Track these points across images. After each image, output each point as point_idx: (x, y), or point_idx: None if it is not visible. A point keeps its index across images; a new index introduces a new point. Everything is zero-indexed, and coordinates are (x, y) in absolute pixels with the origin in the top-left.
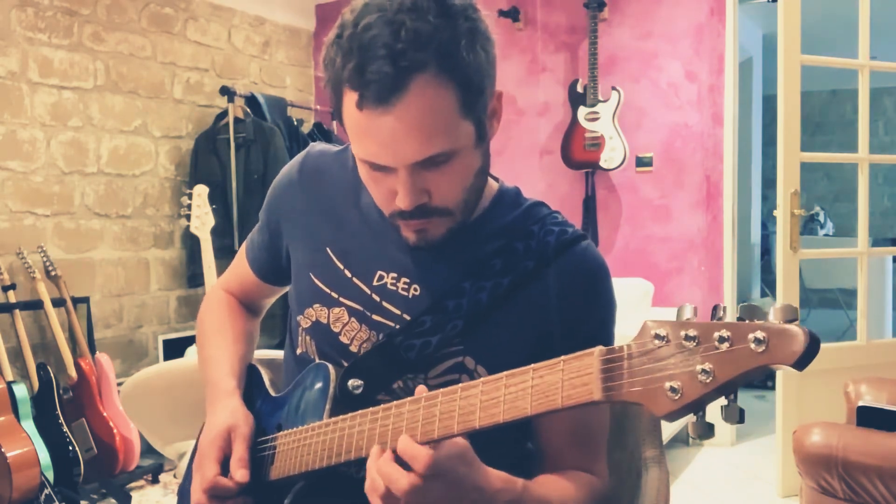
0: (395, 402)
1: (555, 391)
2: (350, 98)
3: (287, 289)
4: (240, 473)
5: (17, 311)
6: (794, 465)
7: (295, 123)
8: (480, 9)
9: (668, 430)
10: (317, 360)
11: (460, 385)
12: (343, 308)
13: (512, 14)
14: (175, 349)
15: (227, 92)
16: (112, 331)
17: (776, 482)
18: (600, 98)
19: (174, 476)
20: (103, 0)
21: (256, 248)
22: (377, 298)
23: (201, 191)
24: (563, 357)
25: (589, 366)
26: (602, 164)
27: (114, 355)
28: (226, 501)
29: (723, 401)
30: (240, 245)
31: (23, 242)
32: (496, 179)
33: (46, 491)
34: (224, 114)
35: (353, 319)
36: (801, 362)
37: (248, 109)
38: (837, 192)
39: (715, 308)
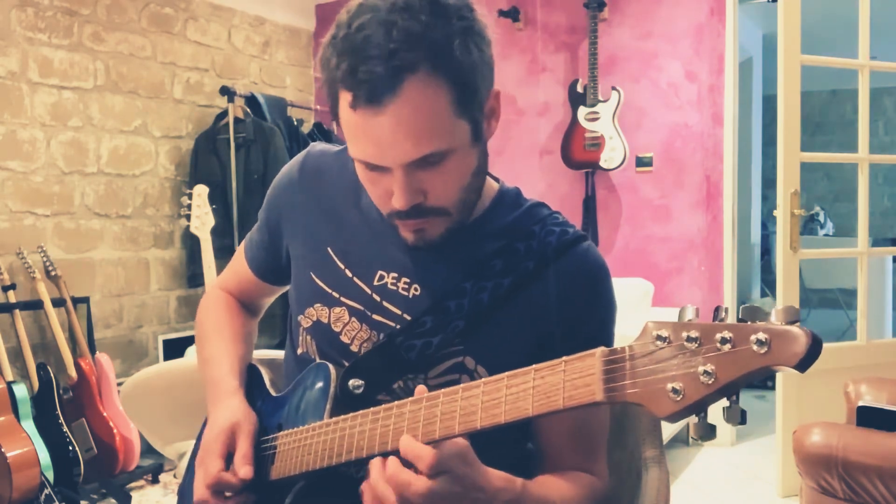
0: (396, 403)
1: (556, 392)
2: (344, 98)
3: (285, 289)
4: (244, 470)
5: (17, 311)
6: (794, 465)
7: (295, 123)
8: (477, 8)
9: (668, 430)
10: (317, 360)
11: (461, 385)
12: (344, 308)
13: (512, 14)
14: (175, 349)
15: (227, 92)
16: (112, 331)
17: (776, 482)
18: (600, 98)
19: (174, 476)
20: (103, 0)
21: (255, 248)
22: (378, 298)
23: (201, 191)
24: (564, 358)
25: (591, 367)
26: (602, 164)
27: (114, 355)
28: (229, 498)
29: (724, 402)
30: (239, 245)
31: (23, 242)
32: (496, 180)
33: (46, 491)
34: (224, 114)
35: (353, 319)
36: (803, 364)
37: (248, 109)
38: (837, 192)
39: (717, 309)
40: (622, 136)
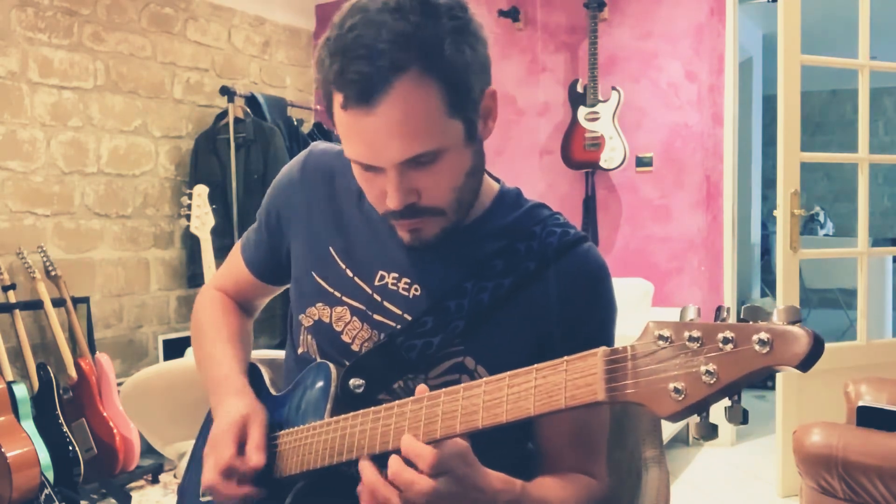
0: (397, 402)
1: (558, 391)
2: (337, 99)
3: (281, 290)
4: (256, 457)
5: (17, 311)
6: (794, 465)
7: (295, 123)
8: (471, 8)
9: (669, 430)
10: (318, 360)
11: (463, 385)
12: (345, 307)
13: (512, 14)
14: (175, 349)
15: (227, 92)
16: (112, 331)
17: (776, 482)
18: (600, 98)
19: (174, 476)
20: (103, 0)
21: (254, 247)
22: (378, 298)
23: (201, 191)
24: (566, 357)
25: (592, 366)
26: (602, 164)
27: (114, 355)
28: (239, 485)
29: (726, 402)
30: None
31: (23, 242)
32: (497, 180)
33: (46, 491)
34: (224, 114)
35: (355, 319)
36: (805, 364)
37: (248, 109)
38: (837, 192)
39: (718, 309)
40: (622, 136)
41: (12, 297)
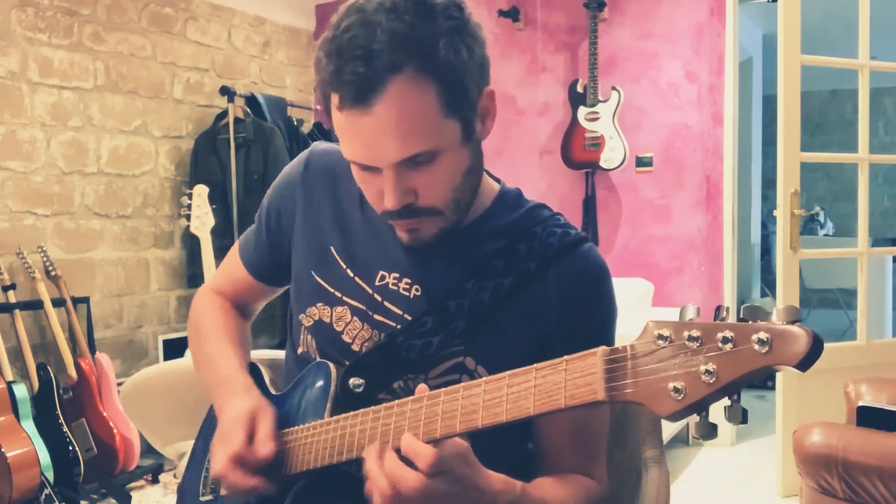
0: (397, 401)
1: (558, 391)
2: (334, 100)
3: (279, 292)
4: (267, 446)
5: (17, 311)
6: (794, 465)
7: (295, 123)
8: (468, 7)
9: (669, 430)
10: (318, 360)
11: (463, 384)
12: (346, 307)
13: (512, 14)
14: (175, 349)
15: (227, 92)
16: (112, 331)
17: (776, 482)
18: (600, 98)
19: (174, 476)
20: (103, 0)
21: (253, 248)
22: (379, 298)
23: (201, 191)
24: (565, 357)
25: (592, 366)
26: (602, 164)
27: (114, 355)
28: (249, 474)
29: (725, 401)
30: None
31: (23, 242)
32: (498, 181)
33: (46, 491)
34: (224, 114)
35: (355, 318)
36: (805, 363)
37: (248, 109)
38: (837, 192)
39: (718, 309)
40: (622, 136)
41: (12, 297)
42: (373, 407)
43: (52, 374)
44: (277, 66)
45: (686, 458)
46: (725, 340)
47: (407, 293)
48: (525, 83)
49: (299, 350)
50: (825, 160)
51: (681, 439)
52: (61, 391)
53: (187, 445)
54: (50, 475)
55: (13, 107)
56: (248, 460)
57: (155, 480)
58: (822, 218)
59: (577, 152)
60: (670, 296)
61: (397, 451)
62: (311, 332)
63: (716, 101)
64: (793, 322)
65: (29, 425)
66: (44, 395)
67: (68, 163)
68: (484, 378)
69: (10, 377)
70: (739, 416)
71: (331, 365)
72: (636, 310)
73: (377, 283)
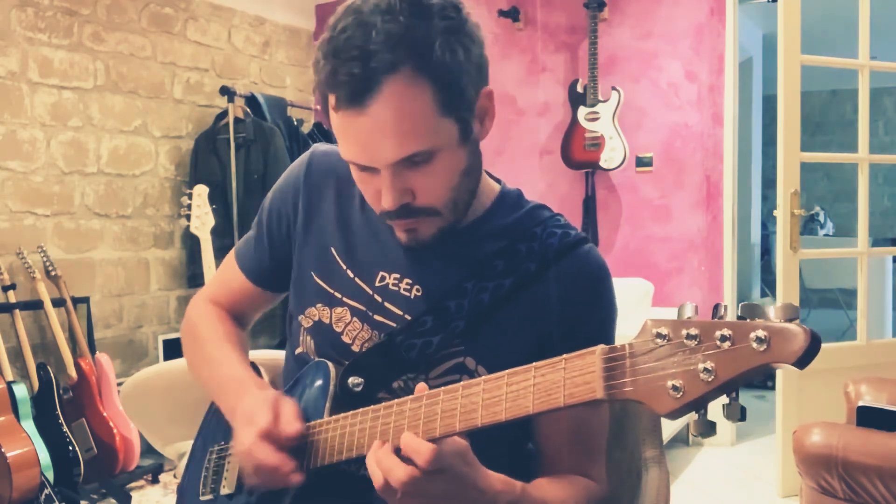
0: (396, 400)
1: (557, 389)
2: (331, 100)
3: (277, 300)
4: (294, 424)
5: (17, 311)
6: (794, 465)
7: (295, 123)
8: (466, 7)
9: (669, 429)
10: (316, 360)
11: (462, 383)
12: (346, 308)
13: (512, 14)
14: (175, 349)
15: (227, 92)
16: (112, 331)
17: (776, 482)
18: (600, 98)
19: (174, 476)
20: (103, 0)
21: (253, 252)
22: (379, 299)
23: (201, 191)
24: (564, 356)
25: (591, 364)
26: (602, 164)
27: (114, 355)
28: (277, 450)
29: (724, 399)
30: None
31: (23, 242)
32: (498, 181)
33: (46, 491)
34: (224, 114)
35: (355, 319)
36: (803, 361)
37: (248, 109)
38: (837, 192)
39: (716, 307)
40: (622, 136)
41: (12, 297)
42: (372, 406)
43: (52, 374)
44: (277, 66)
45: (686, 458)
46: (723, 338)
47: (407, 293)
48: (525, 83)
49: (298, 351)
50: (825, 160)
51: (681, 439)
52: (61, 391)
53: (187, 445)
54: (50, 475)
55: (13, 107)
56: (276, 437)
57: (155, 480)
58: (822, 218)
59: (577, 152)
60: (670, 296)
61: (398, 450)
62: (311, 333)
63: (716, 101)
64: (790, 320)
65: (29, 425)
66: (44, 395)
67: (68, 163)
68: (483, 377)
69: (10, 377)
70: (738, 413)
71: (330, 364)
72: (636, 310)
73: (377, 284)
